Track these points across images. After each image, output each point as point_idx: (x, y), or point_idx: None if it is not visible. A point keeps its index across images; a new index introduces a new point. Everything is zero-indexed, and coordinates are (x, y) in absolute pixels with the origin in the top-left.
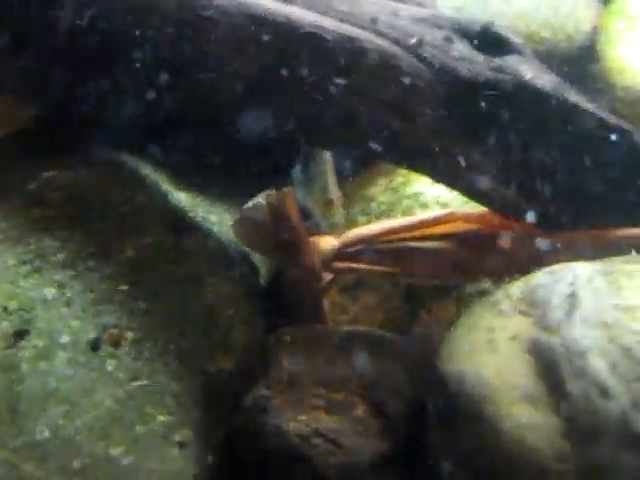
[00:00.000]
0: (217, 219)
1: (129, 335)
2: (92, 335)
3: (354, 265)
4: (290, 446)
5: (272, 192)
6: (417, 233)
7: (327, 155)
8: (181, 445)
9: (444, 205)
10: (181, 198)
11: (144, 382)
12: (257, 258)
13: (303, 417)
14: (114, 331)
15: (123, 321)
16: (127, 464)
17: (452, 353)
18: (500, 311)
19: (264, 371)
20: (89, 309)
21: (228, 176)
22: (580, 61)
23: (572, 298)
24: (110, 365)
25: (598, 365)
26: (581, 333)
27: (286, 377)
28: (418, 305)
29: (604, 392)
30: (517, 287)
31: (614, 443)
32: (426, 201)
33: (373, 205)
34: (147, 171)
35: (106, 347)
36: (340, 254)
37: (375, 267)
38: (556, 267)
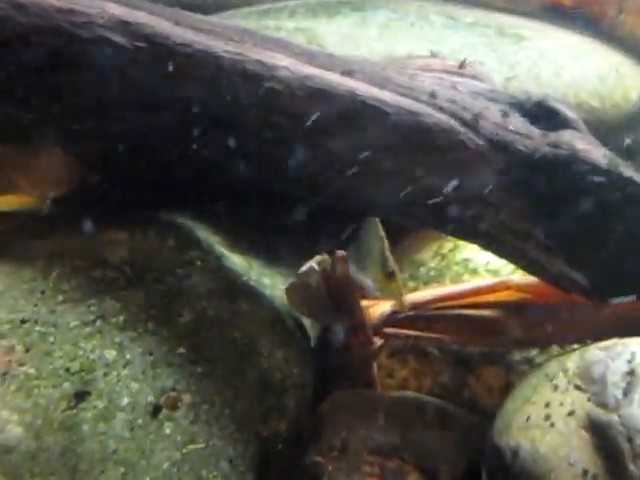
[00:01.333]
0: (270, 282)
1: (186, 398)
2: (151, 397)
3: (405, 331)
4: None
5: (325, 256)
6: (468, 300)
7: (379, 225)
8: None
9: (493, 272)
10: (235, 261)
11: (200, 445)
12: (307, 322)
13: None
14: (172, 394)
15: (181, 384)
16: None
17: (507, 426)
18: (555, 386)
19: (317, 437)
20: (148, 372)
21: (281, 239)
22: (629, 129)
23: (630, 376)
24: (168, 428)
25: None
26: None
27: (339, 444)
28: (467, 370)
29: None
30: (572, 361)
31: None
32: (475, 267)
33: (422, 270)
34: (203, 234)
35: (164, 410)
36: (392, 319)
37: (425, 333)
38: (610, 343)
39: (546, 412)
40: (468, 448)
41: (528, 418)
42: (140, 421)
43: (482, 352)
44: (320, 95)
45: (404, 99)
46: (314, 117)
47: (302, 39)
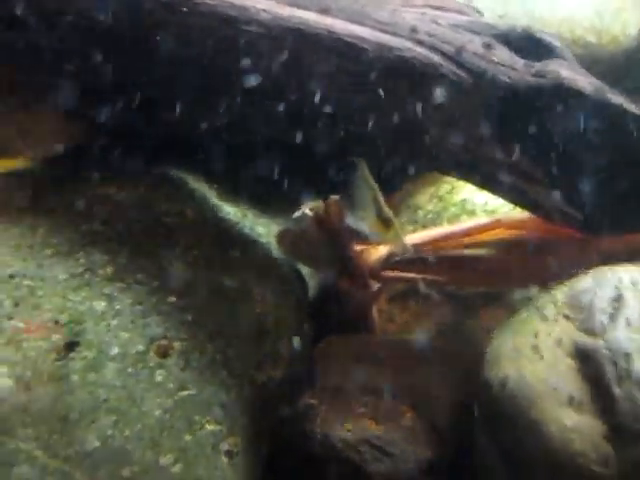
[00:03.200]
0: (265, 231)
1: (177, 346)
2: (141, 346)
3: (402, 274)
4: (337, 454)
5: (318, 202)
6: (465, 241)
7: (368, 172)
8: (229, 454)
9: (491, 212)
10: (229, 211)
11: (192, 392)
12: (306, 269)
13: (350, 425)
14: (163, 342)
15: (171, 332)
16: (176, 472)
17: (496, 358)
18: (544, 316)
19: (311, 380)
20: (138, 321)
21: (277, 189)
22: (627, 63)
23: (617, 302)
24: (159, 375)
25: None
26: (625, 335)
27: (332, 385)
28: (466, 311)
29: None
30: (562, 292)
31: None
32: (473, 208)
33: (420, 214)
34: (196, 186)
35: (155, 358)
36: (389, 263)
37: (423, 275)
38: (599, 271)
39: (534, 342)
40: (467, 387)
41: (516, 349)
42: (130, 369)
43: (481, 293)
44: (298, 35)
45: (383, 35)
46: (293, 57)
47: None
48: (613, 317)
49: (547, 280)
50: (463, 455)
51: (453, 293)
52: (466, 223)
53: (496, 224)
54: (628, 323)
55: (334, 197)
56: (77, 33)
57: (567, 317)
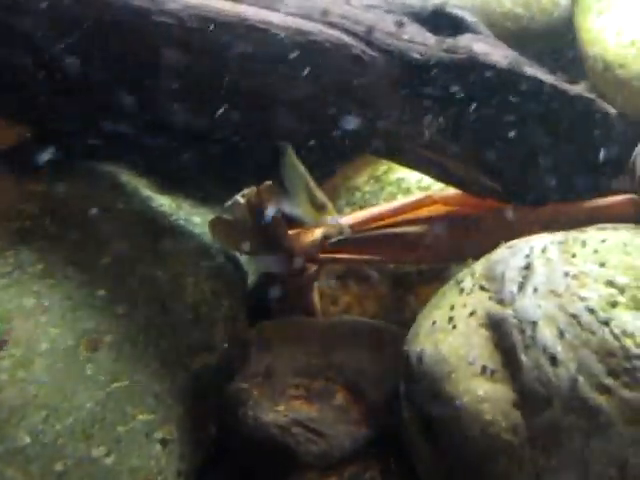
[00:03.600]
0: (201, 220)
1: (108, 339)
2: (70, 341)
3: (338, 255)
4: (270, 436)
5: (250, 189)
6: (399, 219)
7: (296, 159)
8: (163, 442)
9: (426, 189)
10: (163, 202)
11: (124, 383)
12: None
13: (281, 407)
14: (93, 336)
15: (102, 326)
16: (109, 464)
17: (416, 333)
18: (462, 289)
19: (243, 365)
20: (67, 316)
21: (214, 179)
22: (557, 34)
23: (526, 270)
24: (89, 369)
25: (547, 334)
26: (532, 303)
27: (263, 369)
28: (406, 290)
29: (553, 360)
30: (480, 264)
31: (563, 408)
32: (408, 186)
33: (358, 195)
34: (127, 178)
35: (85, 352)
36: (324, 245)
37: (359, 256)
38: (515, 241)
39: (450, 315)
40: (399, 364)
41: (434, 323)
42: (60, 365)
43: (420, 271)
44: (210, 23)
45: (295, 19)
46: (206, 46)
47: None
48: (522, 286)
49: (478, 253)
50: (395, 433)
51: (392, 271)
52: (399, 201)
53: (428, 200)
54: (535, 291)
55: (267, 183)
56: None
57: (482, 288)
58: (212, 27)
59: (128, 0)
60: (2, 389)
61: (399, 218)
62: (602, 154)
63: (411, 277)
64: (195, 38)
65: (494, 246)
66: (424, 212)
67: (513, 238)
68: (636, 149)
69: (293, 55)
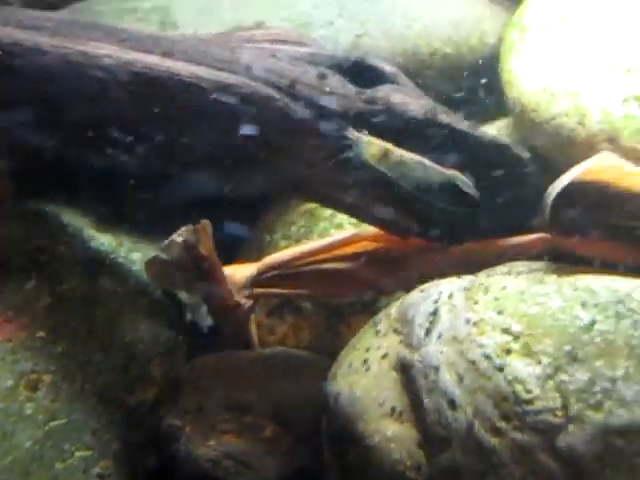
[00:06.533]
0: (141, 256)
1: (47, 378)
2: (10, 382)
3: (271, 290)
4: (202, 470)
5: (187, 228)
6: (328, 255)
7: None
8: (101, 477)
9: (356, 225)
10: (104, 241)
11: (62, 421)
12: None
13: (212, 442)
14: (32, 376)
15: (41, 366)
16: None
17: (334, 373)
18: (378, 331)
19: (177, 400)
20: (7, 358)
21: (156, 216)
22: (484, 74)
23: (433, 316)
24: (29, 408)
25: (447, 378)
26: (435, 349)
27: (195, 405)
28: (338, 321)
29: (452, 403)
30: (395, 306)
31: (461, 450)
32: (340, 222)
33: (293, 229)
34: (69, 218)
35: (24, 392)
36: (258, 280)
37: (291, 290)
38: (428, 285)
39: (365, 357)
40: None
41: (350, 364)
42: (0, 405)
43: (351, 302)
44: (142, 78)
45: (221, 73)
46: (138, 98)
47: (157, 18)
48: (428, 331)
49: (399, 288)
50: (321, 463)
51: (325, 304)
52: (328, 238)
53: (355, 237)
54: (440, 337)
55: (204, 221)
56: None
57: (395, 331)
58: (143, 81)
59: (62, 56)
60: None
61: (330, 254)
62: (516, 195)
63: (343, 308)
64: (127, 91)
65: (416, 281)
66: (353, 248)
67: (433, 273)
68: (548, 189)
69: (218, 107)
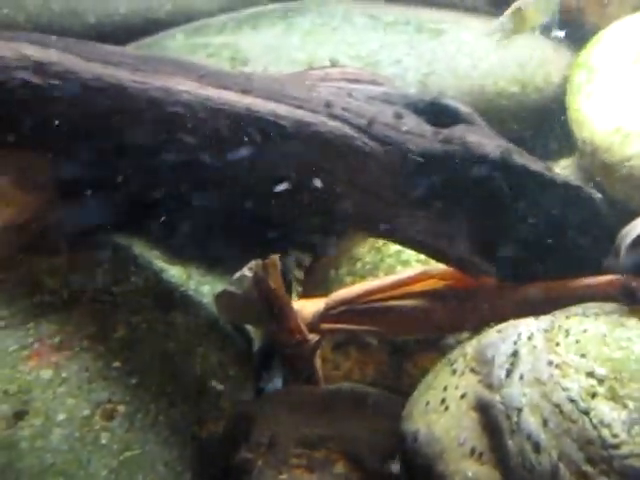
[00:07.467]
0: (210, 289)
1: (121, 408)
2: (87, 411)
3: (339, 326)
4: None
5: (257, 263)
6: (396, 292)
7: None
8: None
9: (424, 262)
10: (174, 273)
11: (136, 452)
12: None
13: (284, 476)
14: (108, 406)
15: (116, 396)
16: None
17: (410, 412)
18: (454, 370)
19: (248, 434)
20: (84, 387)
21: (224, 247)
22: (551, 113)
23: (513, 357)
24: (104, 438)
25: (532, 421)
26: (518, 391)
27: (267, 439)
28: (404, 358)
29: (536, 446)
30: (471, 345)
31: None
32: (407, 259)
33: (359, 265)
34: (139, 250)
35: (100, 421)
36: (326, 316)
37: (357, 327)
38: (505, 325)
39: (443, 396)
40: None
41: (427, 403)
42: (77, 434)
43: (418, 339)
44: (220, 114)
45: (300, 111)
46: (216, 135)
47: (227, 54)
48: (509, 372)
49: (468, 327)
50: None
51: (391, 341)
52: (397, 275)
53: (423, 275)
54: (521, 378)
55: (273, 256)
56: None
57: (473, 370)
58: (222, 117)
59: (142, 92)
60: (22, 457)
61: (398, 291)
62: (586, 236)
63: (409, 345)
64: (206, 127)
65: (487, 320)
66: (421, 286)
67: (505, 313)
68: (621, 231)
69: (298, 145)
